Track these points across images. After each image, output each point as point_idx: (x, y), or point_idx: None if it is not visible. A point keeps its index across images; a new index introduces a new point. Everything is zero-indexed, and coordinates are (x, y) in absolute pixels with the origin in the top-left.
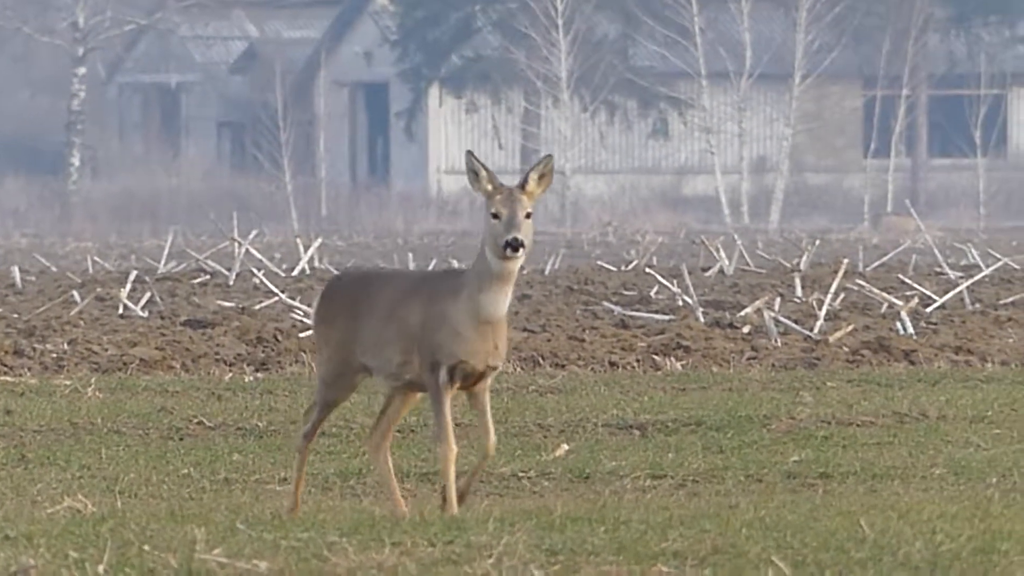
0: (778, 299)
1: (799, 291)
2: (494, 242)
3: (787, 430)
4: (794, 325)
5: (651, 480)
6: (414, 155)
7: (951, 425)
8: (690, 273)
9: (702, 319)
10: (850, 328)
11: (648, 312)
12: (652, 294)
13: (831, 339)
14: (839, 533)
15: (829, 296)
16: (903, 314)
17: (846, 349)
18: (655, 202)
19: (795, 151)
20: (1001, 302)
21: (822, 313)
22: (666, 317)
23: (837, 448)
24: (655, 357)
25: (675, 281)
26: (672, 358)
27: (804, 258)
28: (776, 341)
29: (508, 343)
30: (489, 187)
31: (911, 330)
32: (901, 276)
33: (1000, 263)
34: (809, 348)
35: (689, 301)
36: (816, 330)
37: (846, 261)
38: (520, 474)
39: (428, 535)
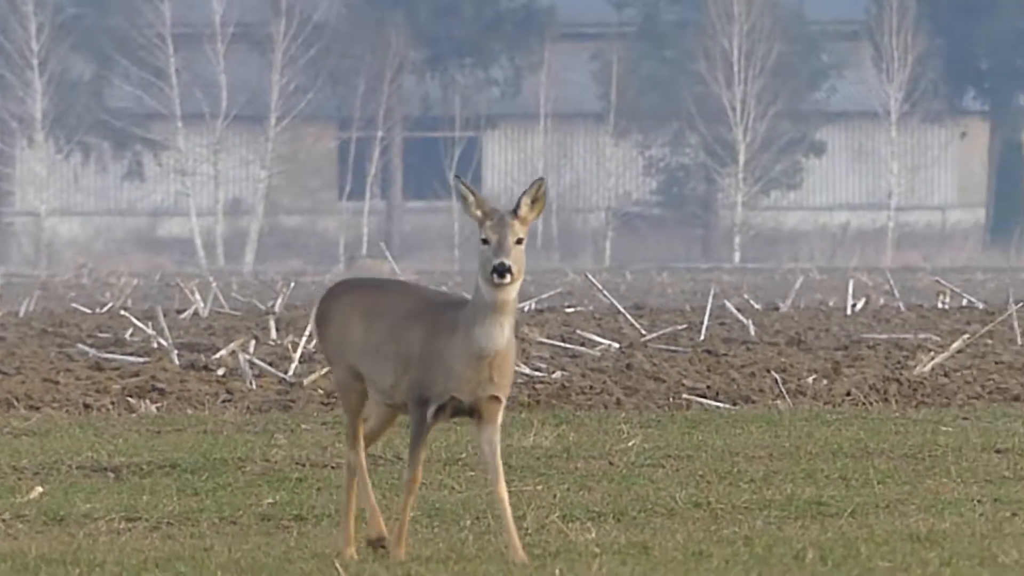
0: (253, 341)
1: (274, 334)
2: (483, 268)
3: (261, 472)
4: (269, 368)
5: (126, 523)
6: None
7: (426, 467)
8: (165, 315)
9: (177, 361)
10: (324, 371)
11: (123, 354)
12: (127, 336)
13: (306, 382)
14: (314, 575)
15: (303, 339)
16: None
17: (320, 392)
18: (130, 244)
19: (270, 193)
20: None
21: (297, 356)
22: (141, 359)
23: (311, 490)
24: (129, 399)
25: (150, 323)
26: (147, 400)
27: (279, 300)
28: (251, 383)
29: (511, 374)
30: (479, 212)
31: None
32: None
33: None
34: (284, 391)
35: (164, 343)
36: (291, 372)
37: None
38: None
39: None
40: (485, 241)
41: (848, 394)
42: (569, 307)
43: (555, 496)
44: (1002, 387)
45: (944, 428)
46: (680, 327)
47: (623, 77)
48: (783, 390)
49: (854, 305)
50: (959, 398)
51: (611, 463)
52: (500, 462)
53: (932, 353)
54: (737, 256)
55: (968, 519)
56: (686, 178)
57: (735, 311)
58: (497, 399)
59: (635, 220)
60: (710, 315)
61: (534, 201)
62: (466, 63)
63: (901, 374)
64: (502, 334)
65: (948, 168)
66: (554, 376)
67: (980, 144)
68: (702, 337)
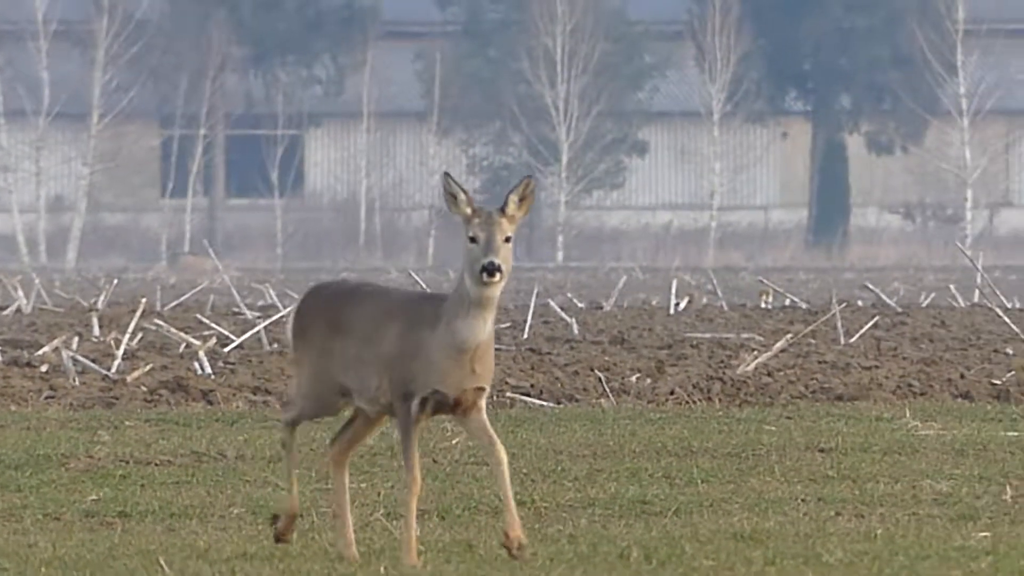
0: (76, 338)
1: (96, 330)
2: (471, 267)
3: (85, 469)
4: (92, 364)
5: None
6: None
7: (249, 465)
8: None
9: (0, 358)
10: (148, 368)
11: None
12: None
13: (129, 378)
14: (139, 572)
15: (127, 336)
16: (200, 354)
17: (144, 388)
18: None
19: (93, 190)
20: None
21: (120, 352)
22: None
23: (135, 487)
24: None
25: None
26: None
27: (102, 297)
28: (74, 380)
29: (492, 365)
30: (468, 210)
31: (209, 370)
32: (199, 316)
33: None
34: (107, 387)
35: None
36: (114, 369)
37: (144, 300)
38: None
39: None
40: (473, 239)
41: (672, 393)
42: None
43: (379, 494)
44: (825, 386)
45: (767, 427)
46: (503, 326)
47: (446, 76)
48: (607, 389)
49: (677, 304)
50: (782, 397)
51: (435, 461)
52: (499, 442)
53: (755, 352)
54: (560, 255)
55: (792, 518)
56: (509, 177)
57: (559, 310)
58: (482, 389)
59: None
60: (533, 314)
61: (522, 199)
62: (288, 61)
63: (724, 373)
64: (484, 328)
65: (770, 168)
66: None
67: (802, 144)
68: (525, 336)
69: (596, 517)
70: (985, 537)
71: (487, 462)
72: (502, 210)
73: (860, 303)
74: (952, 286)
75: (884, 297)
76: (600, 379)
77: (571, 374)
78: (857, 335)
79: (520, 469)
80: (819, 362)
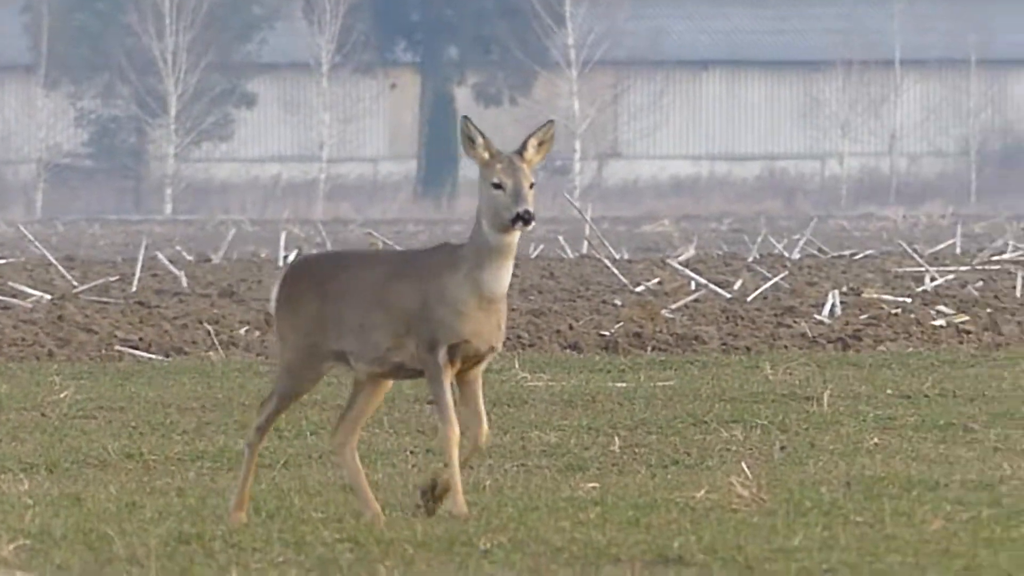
0: None
1: None
2: (496, 215)
3: None
4: None
5: None
6: None
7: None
8: None
9: None
10: None
11: None
12: None
13: None
14: None
15: None
16: None
17: None
18: None
19: None
20: None
21: None
22: None
23: None
24: None
25: None
26: None
27: None
28: None
29: (507, 322)
30: (486, 154)
31: None
32: None
33: None
34: None
35: None
36: None
37: None
38: None
39: None
40: (498, 185)
41: None
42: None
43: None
44: None
45: None
46: (112, 279)
47: (54, 28)
48: (216, 341)
49: (286, 257)
50: None
51: (43, 415)
52: (485, 424)
53: None
54: (169, 208)
55: (401, 469)
56: (117, 129)
57: (167, 263)
58: (493, 349)
59: (66, 172)
60: (142, 267)
61: (541, 143)
62: None
63: None
64: (507, 277)
65: (379, 120)
66: None
67: (411, 96)
68: (134, 288)
69: (205, 470)
70: (594, 488)
71: (464, 434)
72: (520, 154)
73: None
74: (561, 237)
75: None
76: (209, 332)
77: (180, 327)
78: None
79: (129, 423)
80: None
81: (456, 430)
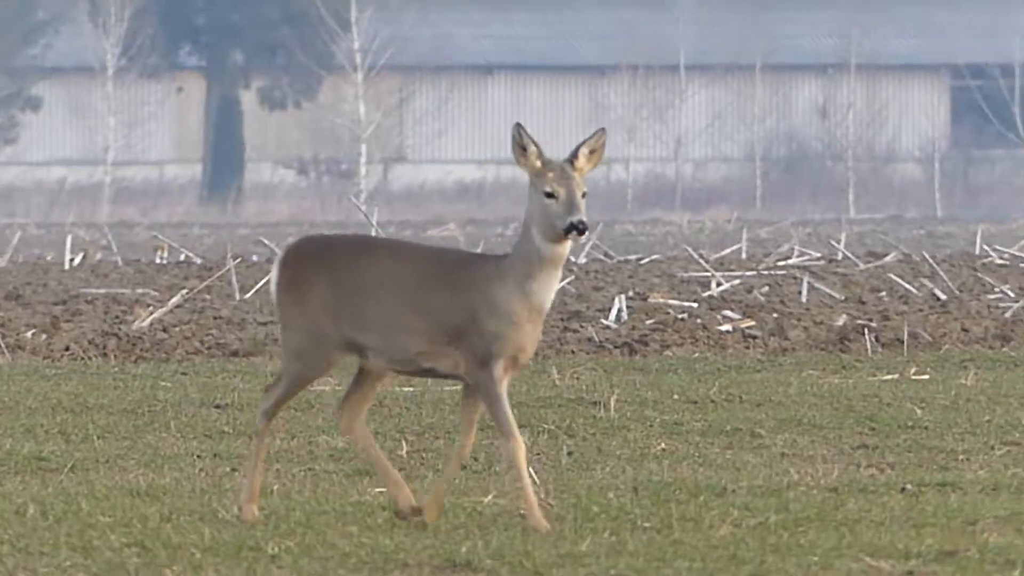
0: None
1: None
2: (550, 224)
3: None
4: None
5: None
6: None
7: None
8: None
9: None
10: None
11: None
12: None
13: None
14: None
15: None
16: None
17: None
18: None
19: None
20: None
21: None
22: None
23: None
24: None
25: None
26: None
27: None
28: None
29: None
30: (538, 163)
31: None
32: None
33: None
34: None
35: None
36: None
37: None
38: None
39: None
40: (550, 195)
41: (67, 349)
42: None
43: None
44: (220, 342)
45: (163, 383)
46: None
47: None
48: (2, 345)
49: (72, 260)
50: (178, 353)
51: None
52: (474, 435)
53: (151, 308)
54: None
55: (188, 474)
56: None
57: None
58: (528, 360)
59: None
60: None
61: (592, 152)
62: None
63: (120, 329)
64: (555, 288)
65: (165, 123)
66: None
67: (197, 100)
68: None
69: None
70: (381, 493)
71: (456, 440)
72: (572, 162)
73: (255, 258)
74: None
75: (278, 252)
76: None
77: None
78: (252, 291)
79: None
80: (215, 318)
81: (522, 442)
